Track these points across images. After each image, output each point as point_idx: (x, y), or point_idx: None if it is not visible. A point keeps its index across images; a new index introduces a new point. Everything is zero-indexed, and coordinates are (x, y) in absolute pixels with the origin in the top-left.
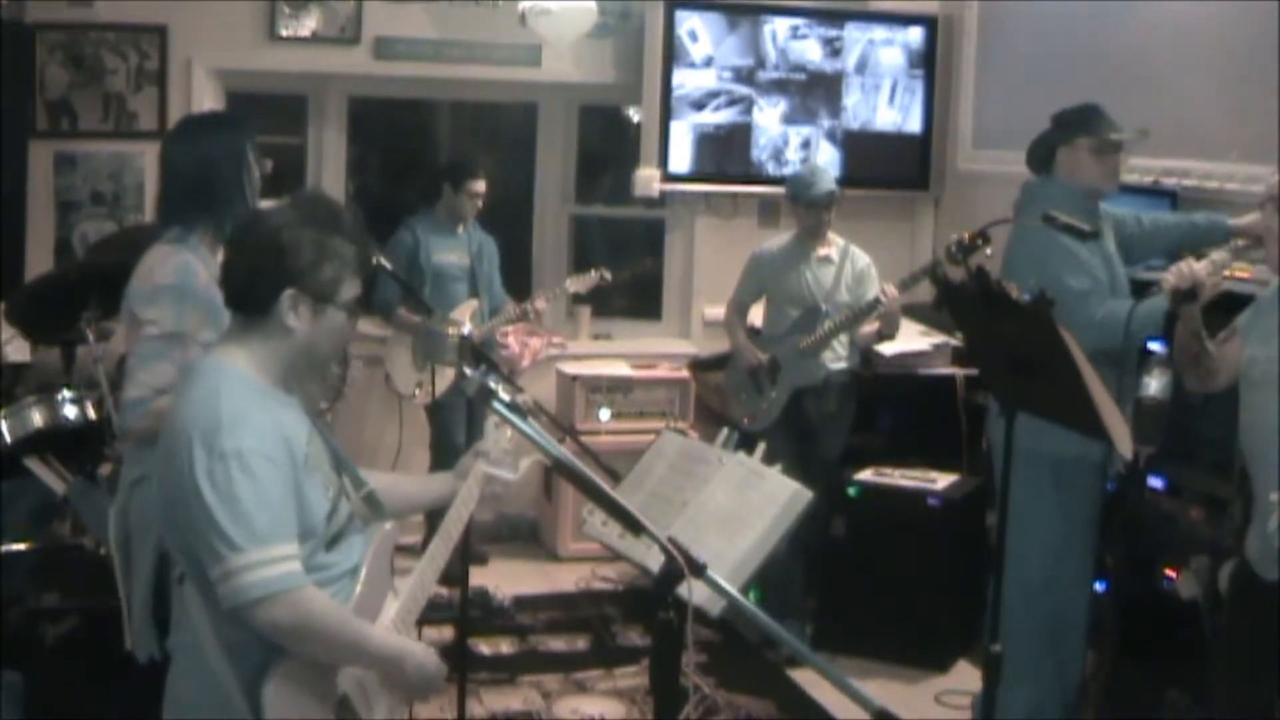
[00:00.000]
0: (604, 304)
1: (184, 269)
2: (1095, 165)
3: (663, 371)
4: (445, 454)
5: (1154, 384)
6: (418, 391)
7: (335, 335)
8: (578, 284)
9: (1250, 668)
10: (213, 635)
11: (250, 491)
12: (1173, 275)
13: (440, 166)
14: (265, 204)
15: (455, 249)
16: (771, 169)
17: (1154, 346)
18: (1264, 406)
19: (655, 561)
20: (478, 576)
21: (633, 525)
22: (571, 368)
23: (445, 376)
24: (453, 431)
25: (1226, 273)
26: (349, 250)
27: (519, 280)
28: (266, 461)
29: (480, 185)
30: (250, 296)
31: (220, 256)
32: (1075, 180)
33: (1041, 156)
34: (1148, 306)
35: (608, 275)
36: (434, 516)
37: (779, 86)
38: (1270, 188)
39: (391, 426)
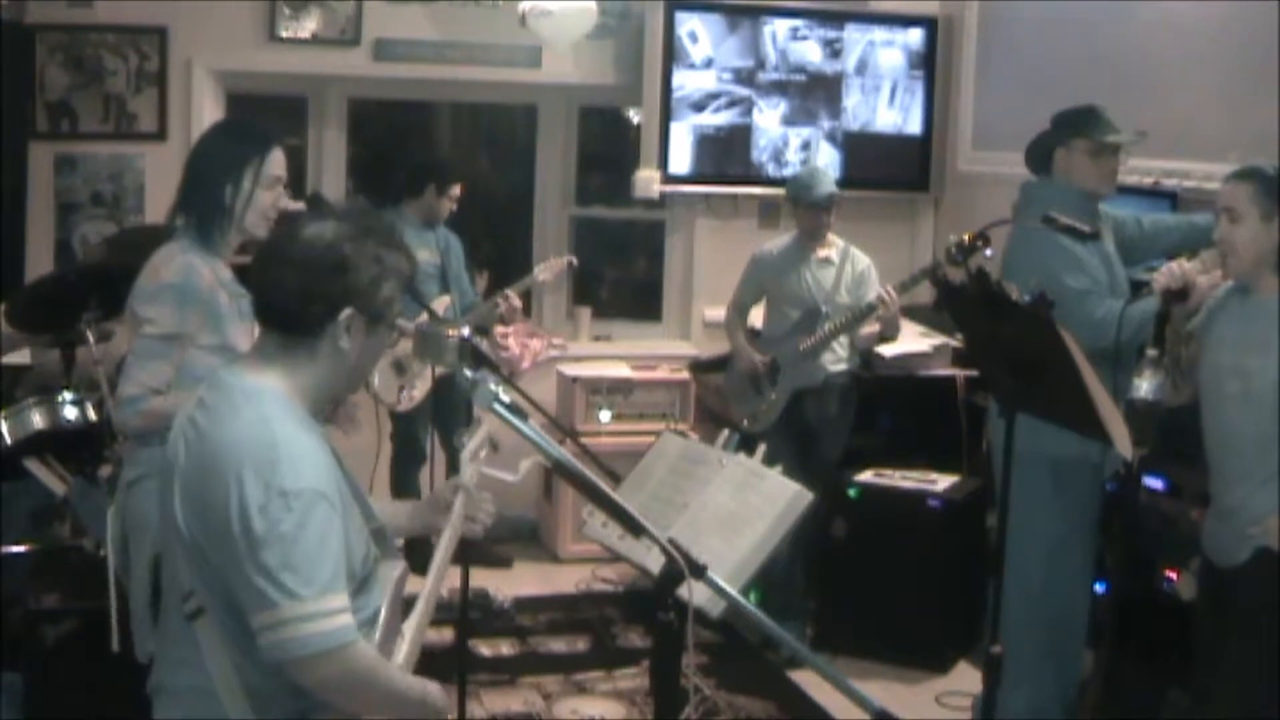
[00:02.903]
0: (604, 305)
1: (188, 269)
2: (1092, 167)
3: (663, 373)
4: (409, 456)
5: (1145, 385)
6: (402, 398)
7: (378, 354)
8: (546, 271)
9: (1228, 657)
10: (235, 681)
11: (310, 536)
12: (1163, 275)
13: (423, 165)
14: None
15: (426, 247)
16: (771, 170)
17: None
18: (1231, 416)
19: (656, 563)
20: (482, 579)
21: (633, 527)
22: (572, 369)
23: (423, 381)
24: (417, 433)
25: (1220, 273)
26: (405, 265)
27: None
28: (325, 503)
29: (459, 190)
30: (300, 316)
31: (223, 261)
32: (1072, 182)
33: (1040, 157)
34: (1139, 307)
35: (574, 260)
36: (410, 544)
37: (779, 88)
38: (1221, 196)
39: (368, 432)
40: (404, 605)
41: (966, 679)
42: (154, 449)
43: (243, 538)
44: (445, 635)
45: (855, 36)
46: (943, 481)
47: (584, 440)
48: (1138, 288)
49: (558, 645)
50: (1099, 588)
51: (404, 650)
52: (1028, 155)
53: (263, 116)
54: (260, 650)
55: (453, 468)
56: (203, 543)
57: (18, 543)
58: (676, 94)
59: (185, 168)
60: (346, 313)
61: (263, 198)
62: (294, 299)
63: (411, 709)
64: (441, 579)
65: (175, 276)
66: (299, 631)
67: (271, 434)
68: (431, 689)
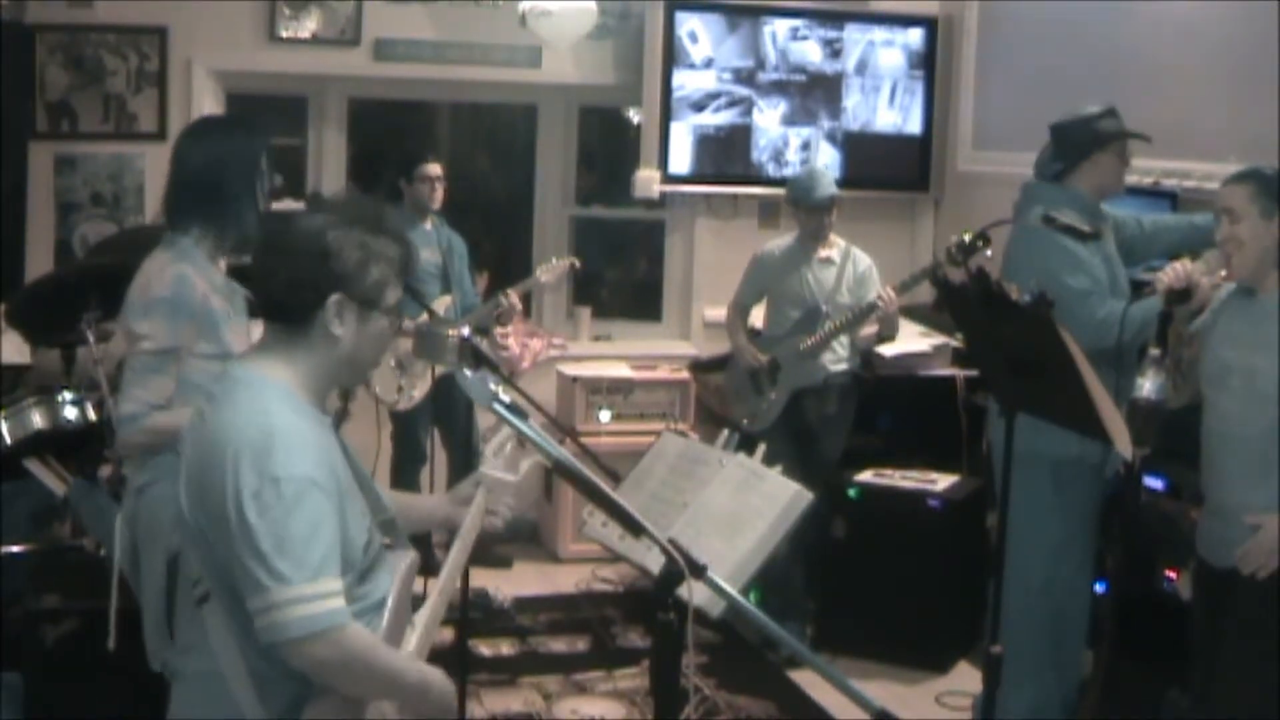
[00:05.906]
0: (604, 305)
1: (179, 281)
2: (1120, 168)
3: (663, 373)
4: (410, 456)
5: (1148, 385)
6: (399, 397)
7: (378, 343)
8: (548, 273)
9: (1226, 658)
10: (240, 665)
11: (301, 521)
12: (1167, 275)
13: (392, 165)
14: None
15: (426, 246)
16: (771, 170)
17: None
18: (1234, 413)
19: (656, 563)
20: (482, 579)
21: (633, 527)
22: (572, 369)
23: (423, 381)
24: (418, 432)
25: (1222, 273)
26: (394, 251)
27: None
28: (318, 490)
29: (434, 168)
30: (291, 304)
31: (221, 265)
32: (1098, 184)
33: (1073, 159)
34: (1141, 307)
35: (577, 263)
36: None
37: (779, 88)
38: (1220, 198)
39: (368, 431)
40: (418, 597)
41: (966, 679)
42: (164, 455)
43: (238, 523)
44: (445, 635)
45: (855, 36)
46: (943, 481)
47: (584, 440)
48: (1138, 288)
49: (558, 645)
50: (1099, 588)
51: (415, 639)
52: (1053, 156)
53: (263, 117)
54: (257, 633)
55: (454, 468)
56: (205, 527)
57: (18, 543)
58: (676, 94)
59: (192, 173)
60: (335, 298)
61: (268, 183)
62: (283, 288)
63: (411, 693)
64: (459, 570)
65: (166, 290)
66: (290, 614)
67: (268, 423)
68: (434, 676)
